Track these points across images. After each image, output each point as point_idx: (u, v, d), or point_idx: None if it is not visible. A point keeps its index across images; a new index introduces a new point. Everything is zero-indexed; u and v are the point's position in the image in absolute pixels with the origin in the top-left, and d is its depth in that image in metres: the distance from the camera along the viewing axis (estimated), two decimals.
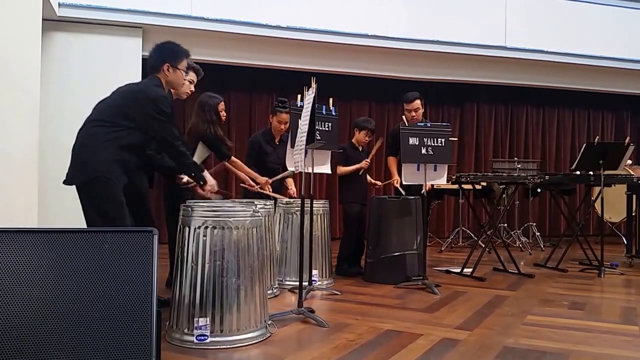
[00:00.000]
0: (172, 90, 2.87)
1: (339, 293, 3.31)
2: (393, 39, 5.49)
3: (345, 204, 4.08)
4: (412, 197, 3.76)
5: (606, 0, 6.29)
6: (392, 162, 4.12)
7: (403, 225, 3.71)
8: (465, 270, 4.04)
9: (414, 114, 3.91)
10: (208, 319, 2.15)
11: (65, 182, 2.32)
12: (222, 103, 3.38)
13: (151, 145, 2.57)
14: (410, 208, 3.72)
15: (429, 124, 3.57)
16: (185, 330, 2.17)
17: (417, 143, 3.44)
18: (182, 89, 2.92)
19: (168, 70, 2.46)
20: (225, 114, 3.42)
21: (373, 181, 4.25)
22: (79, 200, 2.31)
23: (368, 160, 4.03)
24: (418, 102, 3.94)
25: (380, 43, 5.47)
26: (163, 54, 2.46)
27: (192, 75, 3.01)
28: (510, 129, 7.19)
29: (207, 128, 3.25)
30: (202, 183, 2.55)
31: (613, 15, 6.29)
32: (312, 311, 2.65)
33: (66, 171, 2.33)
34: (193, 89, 3.04)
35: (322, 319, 2.54)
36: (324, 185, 6.39)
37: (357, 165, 3.98)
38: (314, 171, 3.02)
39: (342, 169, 4.02)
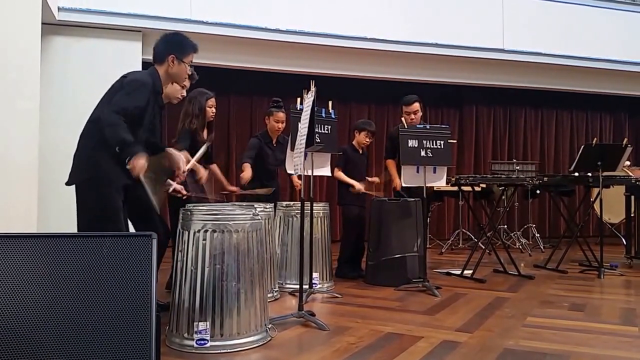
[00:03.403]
0: (164, 93, 2.80)
1: (339, 296, 3.31)
2: (392, 42, 5.51)
3: (344, 206, 4.08)
4: (412, 199, 3.76)
5: (603, 3, 6.32)
6: (391, 165, 4.11)
7: (403, 228, 3.71)
8: (465, 272, 4.04)
9: (412, 116, 3.92)
10: (208, 323, 2.14)
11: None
12: (212, 100, 3.33)
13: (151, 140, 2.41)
14: (410, 210, 3.72)
15: (427, 126, 3.58)
16: (185, 335, 2.16)
17: (416, 145, 3.45)
18: (174, 92, 2.84)
19: (173, 62, 2.38)
20: (214, 112, 3.35)
21: (371, 179, 4.21)
22: None
23: (365, 184, 3.95)
24: (417, 104, 3.95)
25: (379, 46, 5.48)
26: (170, 45, 2.39)
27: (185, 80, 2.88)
28: (509, 130, 7.20)
29: (183, 120, 3.24)
30: (128, 159, 2.16)
31: (610, 17, 6.32)
32: (313, 314, 2.65)
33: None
34: (185, 94, 2.95)
35: (322, 322, 2.54)
36: (324, 187, 6.39)
37: (354, 182, 3.91)
38: (314, 174, 3.03)
39: (339, 175, 3.99)
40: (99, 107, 2.30)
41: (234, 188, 3.64)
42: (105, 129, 2.15)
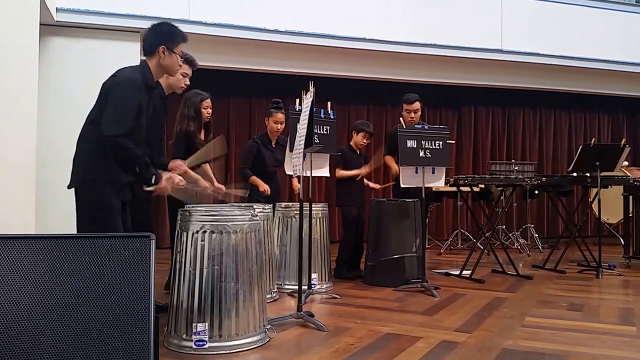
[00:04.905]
0: (166, 84, 2.81)
1: (338, 297, 3.31)
2: (390, 43, 5.51)
3: (342, 207, 4.08)
4: (411, 200, 3.76)
5: (601, 4, 6.33)
6: (390, 160, 4.10)
7: (402, 228, 3.71)
8: (464, 272, 4.05)
9: (412, 115, 3.92)
10: (206, 324, 2.14)
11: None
12: (208, 101, 3.30)
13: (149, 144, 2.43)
14: (409, 211, 3.73)
15: (426, 127, 3.58)
16: (184, 336, 2.16)
17: (414, 146, 3.45)
18: (177, 82, 2.81)
19: (164, 53, 2.31)
20: (209, 113, 3.33)
21: (372, 185, 4.24)
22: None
23: (367, 167, 4.01)
24: (418, 103, 3.95)
25: (377, 47, 5.49)
26: (159, 36, 2.33)
27: (185, 68, 2.82)
28: (507, 131, 7.21)
29: (179, 122, 3.22)
30: (152, 181, 2.24)
31: (608, 18, 6.33)
32: (312, 315, 2.64)
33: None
34: (188, 82, 2.89)
35: (321, 323, 2.54)
36: (323, 188, 6.39)
37: (356, 171, 3.96)
38: (313, 174, 3.03)
39: (341, 173, 4.01)
40: (94, 111, 2.28)
41: (220, 186, 3.45)
42: (116, 155, 2.16)
